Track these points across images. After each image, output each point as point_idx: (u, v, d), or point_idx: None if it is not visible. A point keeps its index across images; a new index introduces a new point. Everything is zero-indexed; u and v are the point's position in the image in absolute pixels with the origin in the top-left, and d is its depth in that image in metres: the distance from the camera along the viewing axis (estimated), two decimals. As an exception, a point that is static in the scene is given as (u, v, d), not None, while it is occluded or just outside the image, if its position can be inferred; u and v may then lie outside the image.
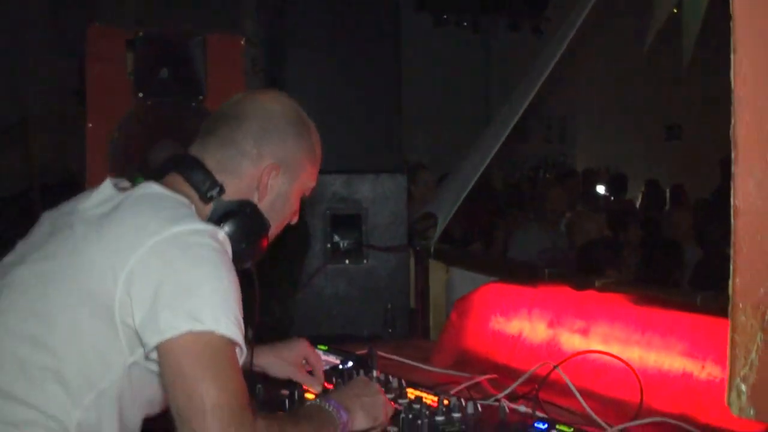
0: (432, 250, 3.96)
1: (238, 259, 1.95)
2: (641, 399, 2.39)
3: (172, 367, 1.75)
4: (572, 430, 2.10)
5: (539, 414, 2.35)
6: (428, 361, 3.04)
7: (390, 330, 3.76)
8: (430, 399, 2.41)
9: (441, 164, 7.91)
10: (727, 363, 1.01)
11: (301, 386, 2.54)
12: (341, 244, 3.93)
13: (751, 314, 0.99)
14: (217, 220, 1.99)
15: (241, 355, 1.84)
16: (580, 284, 2.88)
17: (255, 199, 2.08)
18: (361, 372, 2.64)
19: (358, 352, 2.83)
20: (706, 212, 7.55)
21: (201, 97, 4.06)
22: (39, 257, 1.92)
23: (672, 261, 5.46)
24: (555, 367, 2.53)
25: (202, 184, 2.02)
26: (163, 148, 3.66)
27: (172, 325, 1.74)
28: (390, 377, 2.61)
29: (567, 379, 2.48)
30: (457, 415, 2.30)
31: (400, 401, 2.41)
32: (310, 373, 2.58)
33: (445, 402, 2.35)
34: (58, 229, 1.96)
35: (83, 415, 1.80)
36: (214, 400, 1.71)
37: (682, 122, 13.05)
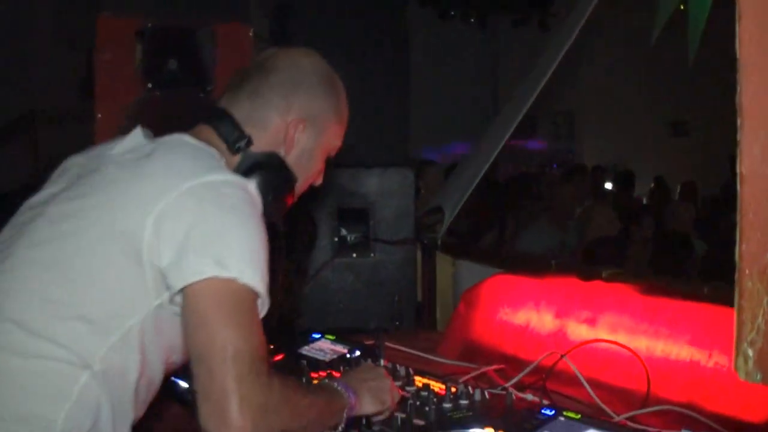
0: (439, 243, 3.96)
1: (264, 213, 1.95)
2: (648, 388, 2.39)
3: (196, 312, 1.76)
4: (579, 416, 2.11)
5: (546, 402, 2.35)
6: (435, 352, 3.05)
7: (397, 323, 3.76)
8: (437, 386, 2.42)
9: (447, 159, 7.91)
10: (734, 328, 1.02)
11: (307, 374, 2.55)
12: (348, 238, 3.93)
13: (758, 280, 0.99)
14: (244, 171, 2.00)
15: (264, 308, 1.84)
16: (587, 275, 2.88)
17: (281, 153, 2.09)
18: (369, 360, 2.65)
19: (366, 343, 2.84)
20: (714, 208, 7.57)
21: (209, 88, 4.06)
22: (68, 197, 1.93)
23: (682, 254, 5.45)
24: (562, 356, 2.54)
25: (230, 135, 2.03)
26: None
27: (198, 269, 1.75)
28: (397, 366, 2.62)
29: (574, 368, 2.48)
30: (464, 402, 2.31)
31: (408, 389, 2.42)
32: None
33: (453, 389, 2.35)
34: (87, 171, 1.97)
35: (108, 355, 1.80)
36: (236, 347, 1.72)
37: (689, 119, 13.05)
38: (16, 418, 1.76)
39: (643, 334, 2.53)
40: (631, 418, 2.28)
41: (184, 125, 2.09)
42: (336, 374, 2.57)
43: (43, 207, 1.94)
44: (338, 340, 2.89)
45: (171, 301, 1.83)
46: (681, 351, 2.41)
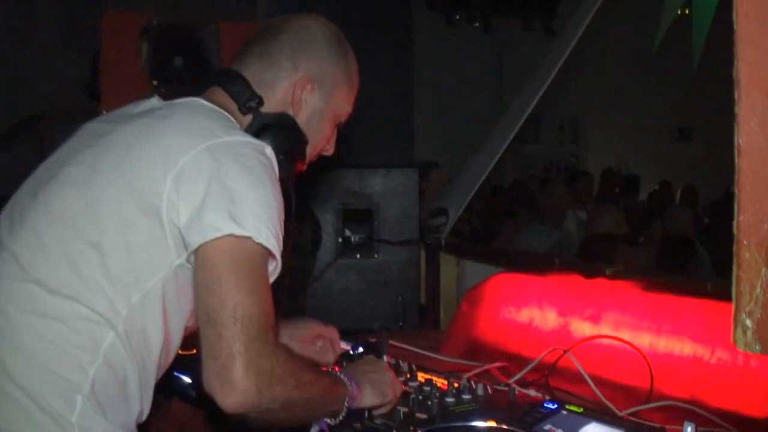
0: (443, 243, 3.97)
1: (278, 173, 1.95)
2: (651, 384, 2.40)
3: (210, 270, 1.76)
4: (582, 410, 2.11)
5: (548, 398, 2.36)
6: (438, 350, 3.05)
7: (400, 324, 3.76)
8: (440, 382, 2.42)
9: (453, 162, 7.92)
10: (732, 300, 1.03)
11: None
12: (352, 239, 3.94)
13: (756, 250, 1.00)
14: (255, 131, 2.00)
15: (275, 272, 1.85)
16: (590, 272, 2.89)
17: (291, 114, 2.09)
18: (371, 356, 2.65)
19: (370, 339, 2.84)
20: (717, 212, 7.56)
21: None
22: (85, 157, 1.92)
23: (686, 257, 5.45)
24: (565, 352, 2.54)
25: (242, 95, 2.04)
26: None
27: (215, 225, 1.75)
28: (400, 362, 2.62)
29: (577, 363, 2.49)
30: (467, 396, 2.31)
31: (411, 384, 2.43)
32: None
33: (455, 384, 2.36)
34: (106, 131, 1.97)
35: (129, 314, 1.80)
36: (247, 310, 1.72)
37: (693, 124, 13.05)
38: (41, 383, 1.76)
39: (646, 331, 2.54)
40: (634, 414, 2.28)
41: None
42: (337, 369, 2.58)
43: (59, 168, 1.94)
44: (341, 338, 2.89)
45: (188, 260, 1.82)
46: (684, 347, 2.42)
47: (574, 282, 2.88)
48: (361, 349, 2.77)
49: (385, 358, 2.69)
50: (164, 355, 1.92)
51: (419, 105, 4.20)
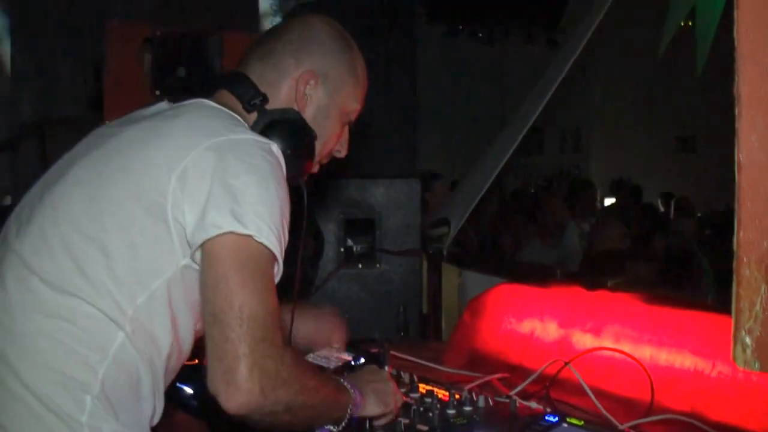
0: (444, 253, 3.97)
1: (286, 171, 1.94)
2: (652, 397, 2.40)
3: (215, 269, 1.75)
4: (582, 423, 2.11)
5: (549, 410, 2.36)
6: (440, 361, 3.05)
7: (402, 334, 3.76)
8: (441, 393, 2.42)
9: (455, 173, 7.93)
10: (732, 317, 1.03)
11: None
12: (355, 249, 3.94)
13: (755, 268, 1.00)
14: (262, 128, 2.00)
15: (278, 273, 1.84)
16: (592, 284, 2.89)
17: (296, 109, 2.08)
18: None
19: (371, 350, 2.84)
20: (719, 224, 7.56)
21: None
22: (91, 158, 1.93)
23: (688, 271, 5.45)
24: (566, 363, 2.54)
25: (246, 94, 2.03)
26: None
27: (216, 223, 1.75)
28: (402, 372, 2.62)
29: (578, 375, 2.49)
30: (468, 408, 2.31)
31: (412, 395, 2.43)
32: None
33: (457, 396, 2.36)
34: (113, 133, 1.98)
35: (135, 315, 1.80)
36: (253, 310, 1.72)
37: (695, 134, 13.05)
38: (49, 383, 1.76)
39: (647, 343, 2.54)
40: (635, 427, 2.28)
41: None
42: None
43: (66, 170, 1.95)
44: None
45: (194, 259, 1.82)
46: (685, 360, 2.42)
47: (575, 294, 2.87)
48: (362, 360, 2.77)
49: (386, 368, 2.69)
50: (175, 357, 1.92)
51: (422, 116, 4.20)
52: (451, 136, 11.57)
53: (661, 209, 11.11)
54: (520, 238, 7.21)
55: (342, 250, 3.90)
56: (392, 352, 2.87)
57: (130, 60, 3.92)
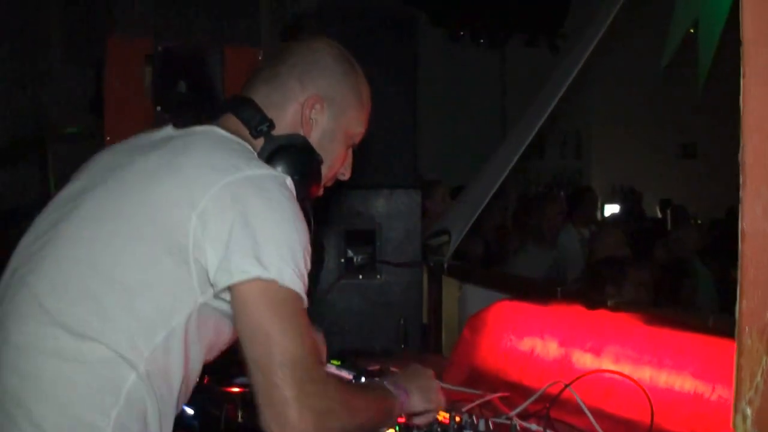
0: (445, 266, 3.97)
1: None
2: (652, 419, 2.39)
3: (249, 316, 1.78)
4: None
5: (550, 432, 2.36)
6: (441, 377, 3.04)
7: (402, 345, 3.76)
8: (441, 416, 2.42)
9: (456, 180, 7.91)
10: (733, 386, 1.03)
11: None
12: (355, 259, 3.94)
13: (757, 338, 1.00)
14: (268, 155, 1.99)
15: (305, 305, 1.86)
16: (592, 303, 2.89)
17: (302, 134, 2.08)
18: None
19: (371, 368, 2.84)
20: (719, 232, 7.55)
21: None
22: (104, 192, 1.91)
23: (683, 280, 5.45)
24: (566, 386, 2.54)
25: (252, 120, 2.02)
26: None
27: (242, 268, 1.76)
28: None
29: (578, 398, 2.49)
30: (468, 432, 2.32)
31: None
32: None
33: (457, 419, 2.36)
34: (121, 164, 1.96)
35: (153, 355, 1.80)
36: (293, 354, 1.75)
37: (697, 140, 13.03)
38: (64, 428, 1.76)
39: (647, 365, 2.54)
40: (635, 450, 2.28)
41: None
42: None
43: (76, 202, 1.93)
44: (343, 366, 2.88)
45: (216, 297, 1.83)
46: (685, 383, 2.42)
47: (575, 313, 2.88)
48: (363, 379, 2.77)
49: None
50: (184, 390, 1.92)
51: (423, 122, 4.18)
52: (451, 141, 11.55)
53: (659, 215, 11.12)
54: (518, 243, 7.19)
55: (342, 260, 3.89)
56: (393, 369, 2.86)
57: (131, 75, 3.93)
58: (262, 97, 2.07)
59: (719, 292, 6.05)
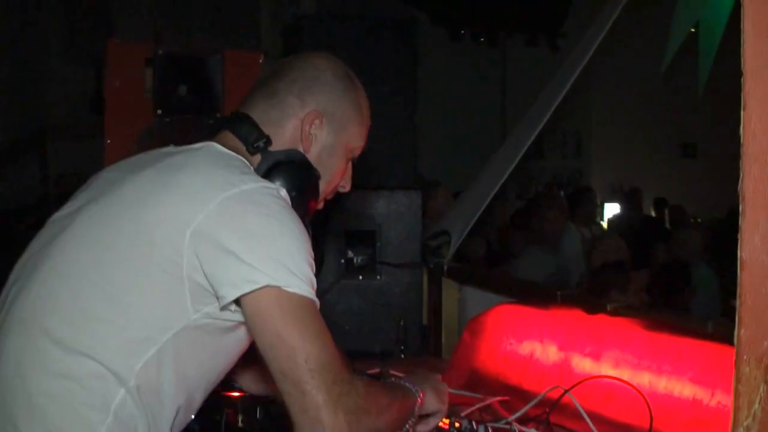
0: (445, 268, 3.97)
1: None
2: (651, 424, 2.40)
3: (265, 326, 1.78)
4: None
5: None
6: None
7: (402, 347, 3.77)
8: (441, 421, 2.42)
9: (456, 180, 7.92)
10: (731, 413, 1.03)
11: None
12: (355, 260, 3.94)
13: (755, 366, 1.00)
14: (266, 170, 1.99)
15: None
16: (592, 308, 2.89)
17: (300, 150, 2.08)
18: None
19: (371, 371, 2.84)
20: (720, 232, 7.53)
21: (219, 114, 4.06)
22: (99, 208, 1.92)
23: (680, 282, 5.45)
24: (566, 391, 2.54)
25: (250, 136, 2.02)
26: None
27: (248, 278, 1.75)
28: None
29: (577, 403, 2.49)
30: (468, 438, 2.32)
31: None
32: None
33: (457, 425, 2.36)
34: (118, 180, 1.96)
35: (143, 370, 1.80)
36: (318, 359, 1.75)
37: (697, 140, 13.03)
38: None
39: (646, 370, 2.54)
40: (634, 455, 2.29)
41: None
42: None
43: (72, 218, 1.94)
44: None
45: (222, 309, 1.83)
46: (684, 388, 2.42)
47: (575, 317, 2.88)
48: None
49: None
50: (182, 411, 1.92)
51: (423, 122, 4.17)
52: (451, 140, 11.55)
53: (653, 214, 11.11)
54: (521, 245, 7.20)
55: (342, 261, 3.90)
56: (393, 372, 2.87)
57: (131, 79, 3.93)
58: (260, 113, 2.07)
59: (723, 294, 6.02)
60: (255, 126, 2.04)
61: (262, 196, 1.85)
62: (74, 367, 1.78)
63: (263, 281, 1.75)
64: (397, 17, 4.13)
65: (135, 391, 1.79)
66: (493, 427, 2.41)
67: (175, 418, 1.90)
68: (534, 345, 2.94)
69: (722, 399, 2.30)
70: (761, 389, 0.98)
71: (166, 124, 4.03)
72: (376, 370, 2.83)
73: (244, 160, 1.99)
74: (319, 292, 3.79)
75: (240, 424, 2.55)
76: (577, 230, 7.48)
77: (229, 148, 2.00)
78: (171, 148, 2.05)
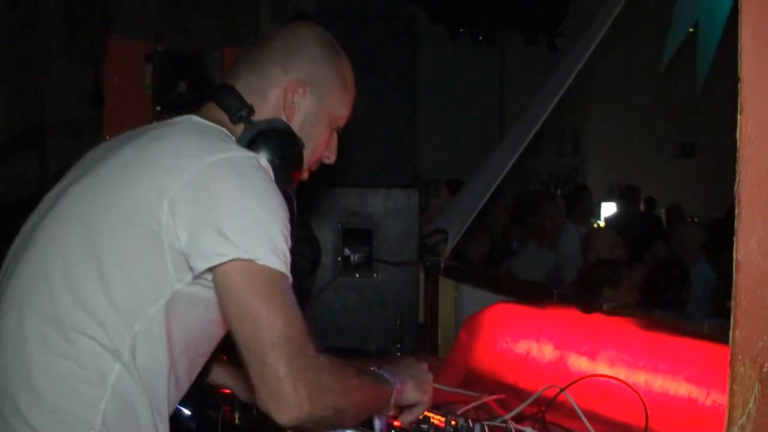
0: (442, 266, 3.97)
1: (275, 181, 1.93)
2: (647, 423, 2.40)
3: (233, 299, 1.78)
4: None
5: (545, 436, 2.38)
6: (437, 378, 3.03)
7: (398, 345, 3.77)
8: (437, 419, 2.43)
9: (454, 178, 7.93)
10: (726, 412, 1.04)
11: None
12: (352, 258, 3.94)
13: (750, 366, 1.02)
14: (249, 140, 1.98)
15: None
16: (588, 307, 2.90)
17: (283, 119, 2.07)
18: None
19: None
20: (718, 231, 7.54)
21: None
22: (84, 184, 1.92)
23: (678, 280, 5.45)
24: (561, 390, 2.55)
25: (232, 106, 2.02)
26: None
27: (218, 251, 1.75)
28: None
29: (573, 403, 2.50)
30: (464, 436, 2.32)
31: (408, 420, 2.43)
32: None
33: (453, 423, 2.36)
34: (102, 157, 1.97)
35: (133, 342, 1.80)
36: (281, 331, 1.74)
37: (695, 140, 13.05)
38: (53, 424, 1.77)
39: (642, 369, 2.55)
40: (629, 454, 2.30)
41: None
42: None
43: (59, 197, 1.95)
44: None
45: (194, 282, 1.83)
46: (679, 387, 2.43)
47: (571, 316, 2.89)
48: None
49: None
50: (173, 383, 1.92)
51: (421, 120, 4.16)
52: (449, 139, 11.56)
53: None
54: (520, 243, 7.20)
55: (339, 259, 3.90)
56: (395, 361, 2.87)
57: (130, 76, 3.93)
58: (243, 83, 2.06)
59: (722, 293, 6.01)
60: (238, 96, 2.03)
61: (240, 166, 1.84)
62: (69, 346, 1.78)
63: (233, 254, 1.75)
64: (396, 15, 4.12)
65: (131, 365, 1.80)
66: (489, 426, 2.40)
67: (169, 393, 1.90)
68: (530, 344, 2.95)
69: (717, 398, 2.31)
70: (756, 388, 1.00)
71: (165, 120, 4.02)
72: (372, 368, 2.83)
73: (224, 130, 1.98)
74: (316, 290, 3.81)
75: (237, 421, 2.55)
76: (575, 229, 7.49)
77: (212, 119, 2.00)
78: (154, 124, 2.05)
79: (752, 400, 0.99)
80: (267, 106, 2.05)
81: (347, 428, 2.03)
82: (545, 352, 2.88)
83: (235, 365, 2.45)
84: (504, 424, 2.44)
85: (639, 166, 12.45)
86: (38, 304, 1.82)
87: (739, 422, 1.00)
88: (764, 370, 1.00)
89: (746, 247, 1.03)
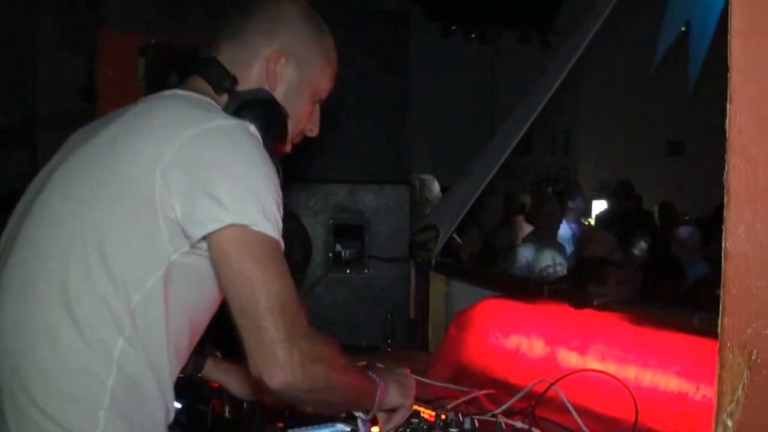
0: (432, 262, 3.98)
1: None
2: (636, 418, 2.41)
3: (228, 264, 1.79)
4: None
5: (535, 430, 2.38)
6: (427, 373, 3.06)
7: (389, 341, 3.78)
8: (427, 414, 2.43)
9: (445, 176, 7.92)
10: (714, 398, 1.06)
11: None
12: (343, 254, 3.95)
13: (738, 353, 1.03)
14: (234, 110, 1.98)
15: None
16: (579, 303, 2.90)
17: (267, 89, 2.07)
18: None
19: (357, 364, 2.85)
20: (707, 229, 7.57)
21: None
22: (74, 161, 1.93)
23: (673, 280, 5.47)
24: (551, 384, 2.56)
25: (215, 77, 2.02)
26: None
27: (213, 217, 1.76)
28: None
29: (563, 397, 2.51)
30: (454, 430, 2.33)
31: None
32: None
33: (443, 417, 2.37)
34: (91, 134, 1.97)
35: (132, 314, 1.80)
36: (277, 296, 1.76)
37: (684, 138, 13.08)
38: (64, 406, 1.78)
39: (632, 364, 2.56)
40: (619, 448, 2.30)
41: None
42: None
43: (49, 176, 1.94)
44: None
45: (190, 251, 1.83)
46: (669, 382, 2.44)
47: (562, 312, 2.89)
48: None
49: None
50: (173, 354, 1.92)
51: (413, 117, 4.17)
52: (440, 136, 11.57)
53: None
54: (515, 241, 7.24)
55: (330, 255, 3.90)
56: (378, 365, 2.87)
57: (123, 69, 3.92)
58: (227, 55, 2.07)
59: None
60: (221, 67, 2.04)
61: (230, 133, 1.86)
62: (72, 323, 1.78)
63: (228, 219, 1.76)
64: (389, 11, 4.13)
65: (132, 338, 1.80)
66: (479, 420, 2.41)
67: (170, 364, 1.90)
68: (520, 339, 2.95)
69: (707, 393, 2.32)
70: (744, 375, 1.01)
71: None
72: (363, 363, 2.84)
73: (210, 100, 1.99)
74: (307, 286, 3.81)
75: (227, 414, 2.55)
76: (567, 227, 7.54)
77: (197, 91, 2.01)
78: (140, 99, 2.05)
79: (741, 387, 1.00)
80: (250, 77, 2.06)
81: (332, 410, 2.09)
82: (535, 347, 2.88)
83: (228, 361, 2.46)
84: (494, 419, 2.44)
85: (629, 165, 12.48)
86: (40, 287, 1.82)
87: (728, 409, 1.01)
88: (753, 357, 1.02)
89: (735, 236, 1.05)
